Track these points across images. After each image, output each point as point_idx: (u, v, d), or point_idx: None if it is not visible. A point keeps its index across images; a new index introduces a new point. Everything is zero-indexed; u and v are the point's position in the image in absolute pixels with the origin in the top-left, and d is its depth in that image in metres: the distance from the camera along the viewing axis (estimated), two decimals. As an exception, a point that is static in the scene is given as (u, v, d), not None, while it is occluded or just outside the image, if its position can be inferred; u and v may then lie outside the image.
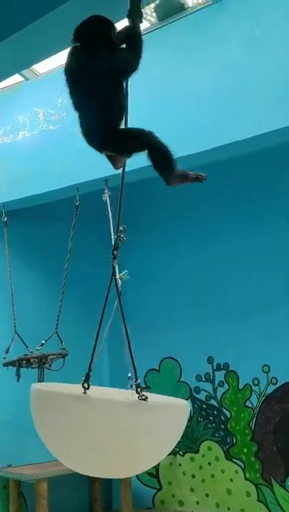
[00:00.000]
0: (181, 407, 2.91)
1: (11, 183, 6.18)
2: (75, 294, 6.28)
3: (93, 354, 2.87)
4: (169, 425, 2.77)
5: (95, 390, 2.73)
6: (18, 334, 6.00)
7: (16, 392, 6.25)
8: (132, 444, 2.67)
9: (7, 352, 5.91)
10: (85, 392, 2.66)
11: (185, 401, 3.03)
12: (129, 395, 2.90)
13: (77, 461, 2.83)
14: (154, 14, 5.38)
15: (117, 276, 5.07)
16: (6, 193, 6.23)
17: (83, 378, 2.71)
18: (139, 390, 2.70)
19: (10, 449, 6.43)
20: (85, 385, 2.67)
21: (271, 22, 4.68)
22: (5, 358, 5.88)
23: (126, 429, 2.63)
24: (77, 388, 2.74)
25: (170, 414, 2.81)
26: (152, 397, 2.80)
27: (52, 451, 2.87)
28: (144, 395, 2.67)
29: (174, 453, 6.68)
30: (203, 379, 6.56)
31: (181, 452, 6.67)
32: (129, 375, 2.94)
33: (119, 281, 5.12)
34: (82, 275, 6.54)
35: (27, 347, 5.87)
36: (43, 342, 5.77)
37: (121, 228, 3.03)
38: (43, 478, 5.96)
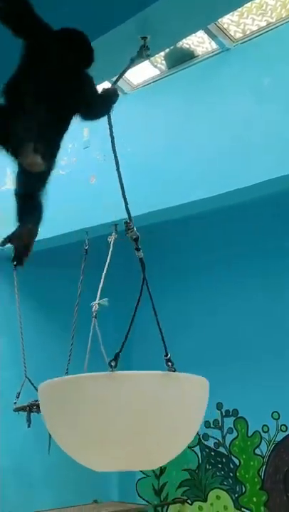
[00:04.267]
0: (203, 380, 2.90)
1: (21, 226, 6.21)
2: (82, 337, 6.25)
3: (128, 333, 2.74)
4: (195, 396, 2.82)
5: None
6: (28, 378, 5.95)
7: (22, 437, 6.20)
8: (162, 420, 2.62)
9: (18, 397, 5.83)
10: (112, 371, 2.57)
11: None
12: None
13: (104, 454, 2.69)
14: (163, 62, 5.47)
15: (96, 302, 5.02)
16: (15, 236, 6.26)
17: (112, 358, 2.62)
18: (169, 363, 2.76)
19: (12, 496, 6.32)
20: (112, 363, 2.58)
21: (279, 70, 4.76)
22: (15, 403, 5.81)
23: (157, 401, 2.59)
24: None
25: (195, 385, 2.85)
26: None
27: (71, 452, 2.73)
28: (173, 368, 2.75)
29: (182, 501, 6.55)
30: (212, 425, 6.47)
31: (189, 501, 6.54)
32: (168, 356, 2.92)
33: (96, 306, 5.15)
34: (89, 318, 6.51)
35: (37, 390, 5.79)
36: None
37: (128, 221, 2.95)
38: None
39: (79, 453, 2.73)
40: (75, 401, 2.60)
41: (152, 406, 2.58)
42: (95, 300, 5.91)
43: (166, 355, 2.79)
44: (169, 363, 2.76)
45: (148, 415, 2.57)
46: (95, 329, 5.32)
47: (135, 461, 2.76)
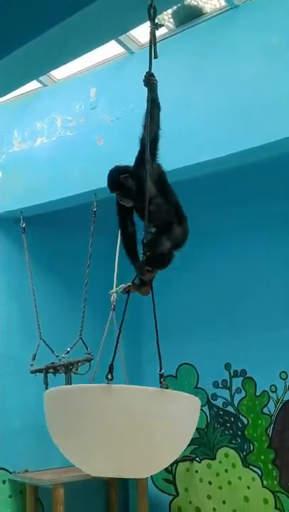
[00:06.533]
0: (195, 401, 2.97)
1: (29, 189, 6.21)
2: (93, 300, 6.26)
3: (116, 347, 2.90)
4: (185, 415, 2.85)
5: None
6: (43, 340, 6.01)
7: (35, 397, 6.27)
8: (150, 435, 2.70)
9: (34, 359, 5.92)
10: (108, 383, 2.71)
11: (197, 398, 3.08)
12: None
13: (96, 462, 2.82)
14: (171, 20, 5.38)
15: (113, 291, 5.07)
16: (23, 199, 6.26)
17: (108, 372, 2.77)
18: (162, 379, 2.82)
19: (27, 454, 6.44)
20: (109, 376, 2.74)
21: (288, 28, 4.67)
22: (32, 365, 5.90)
23: (146, 417, 2.67)
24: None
25: (186, 405, 2.90)
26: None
27: (67, 455, 2.87)
28: (165, 384, 2.79)
29: (190, 459, 6.66)
30: (221, 385, 6.53)
31: (198, 459, 6.64)
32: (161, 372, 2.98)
33: (114, 296, 5.20)
34: (99, 280, 6.52)
35: (53, 352, 5.88)
36: (69, 349, 5.78)
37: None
38: (60, 484, 5.95)
39: (75, 457, 2.87)
40: (73, 409, 2.73)
41: (142, 419, 2.67)
42: (103, 260, 5.90)
43: (160, 370, 2.88)
44: (162, 380, 2.83)
45: (138, 428, 2.67)
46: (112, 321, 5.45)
47: (124, 469, 2.86)
